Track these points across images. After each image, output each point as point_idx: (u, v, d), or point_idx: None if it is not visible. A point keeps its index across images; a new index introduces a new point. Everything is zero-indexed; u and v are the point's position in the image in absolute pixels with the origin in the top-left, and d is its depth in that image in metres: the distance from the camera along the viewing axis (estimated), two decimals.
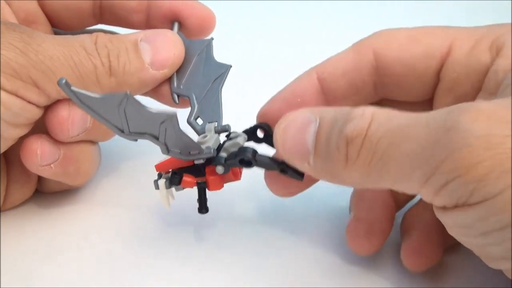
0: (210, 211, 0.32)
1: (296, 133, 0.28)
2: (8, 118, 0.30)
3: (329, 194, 0.37)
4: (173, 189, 0.32)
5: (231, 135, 0.32)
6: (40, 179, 0.36)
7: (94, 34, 0.33)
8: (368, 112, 0.25)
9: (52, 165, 0.33)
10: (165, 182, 0.31)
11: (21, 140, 0.33)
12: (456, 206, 0.23)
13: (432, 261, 0.31)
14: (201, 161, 0.31)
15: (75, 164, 0.34)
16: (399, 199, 0.34)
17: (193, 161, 0.31)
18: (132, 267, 0.33)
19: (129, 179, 0.39)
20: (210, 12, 0.36)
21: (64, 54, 0.31)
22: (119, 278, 0.32)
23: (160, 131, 0.28)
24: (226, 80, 0.34)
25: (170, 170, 0.31)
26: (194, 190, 0.32)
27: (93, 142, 0.35)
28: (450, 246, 0.32)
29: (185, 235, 0.35)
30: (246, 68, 0.35)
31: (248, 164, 0.30)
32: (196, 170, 0.31)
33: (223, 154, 0.31)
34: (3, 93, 0.29)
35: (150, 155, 0.38)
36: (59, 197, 0.37)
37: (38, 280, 0.32)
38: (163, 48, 0.34)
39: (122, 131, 0.28)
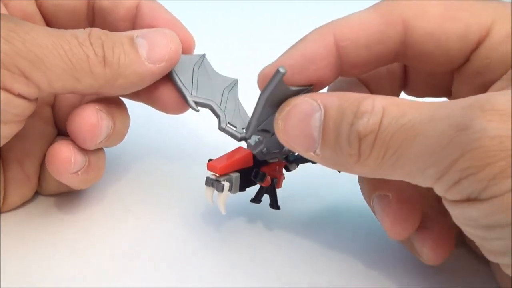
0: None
1: (300, 122, 0.27)
2: None
3: (338, 194, 0.38)
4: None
5: None
6: (39, 180, 0.36)
7: (88, 28, 0.32)
8: (378, 106, 0.25)
9: (79, 173, 0.32)
10: (229, 185, 0.32)
11: (17, 138, 0.32)
12: (466, 200, 0.24)
13: (450, 251, 0.30)
14: (276, 160, 0.33)
15: (96, 171, 0.34)
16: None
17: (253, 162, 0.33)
18: (133, 268, 0.32)
19: (128, 181, 0.39)
20: (190, 36, 0.36)
21: (54, 43, 0.29)
22: (122, 280, 0.31)
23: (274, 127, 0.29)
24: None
25: (229, 172, 0.32)
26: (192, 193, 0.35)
27: (102, 148, 0.35)
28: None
29: (193, 236, 0.34)
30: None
31: None
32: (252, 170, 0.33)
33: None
34: None
35: (147, 158, 0.41)
36: (59, 199, 0.36)
37: (39, 280, 0.31)
38: (160, 42, 0.33)
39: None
